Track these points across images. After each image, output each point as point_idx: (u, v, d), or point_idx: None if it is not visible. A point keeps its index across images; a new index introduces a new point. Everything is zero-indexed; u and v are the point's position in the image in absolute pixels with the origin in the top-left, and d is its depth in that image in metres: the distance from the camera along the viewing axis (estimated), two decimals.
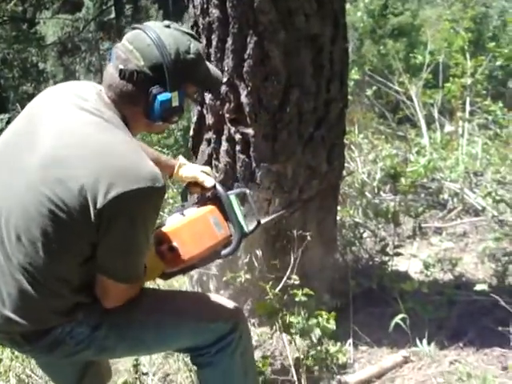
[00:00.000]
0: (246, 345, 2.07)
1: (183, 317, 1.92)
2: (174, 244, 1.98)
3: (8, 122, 11.54)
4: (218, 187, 2.15)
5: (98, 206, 1.55)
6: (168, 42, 1.68)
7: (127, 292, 1.79)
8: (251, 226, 2.21)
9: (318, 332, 2.71)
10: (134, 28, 1.74)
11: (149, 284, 2.22)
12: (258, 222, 2.24)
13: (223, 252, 2.10)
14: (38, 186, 1.60)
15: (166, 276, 2.08)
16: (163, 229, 2.03)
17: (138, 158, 1.63)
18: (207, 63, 1.84)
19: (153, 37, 1.67)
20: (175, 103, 1.71)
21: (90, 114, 1.65)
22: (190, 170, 2.23)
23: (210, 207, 2.13)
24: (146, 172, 1.59)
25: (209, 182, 2.19)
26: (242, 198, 2.27)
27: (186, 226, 2.05)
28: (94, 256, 1.67)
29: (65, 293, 1.71)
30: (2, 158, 1.76)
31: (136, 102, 1.71)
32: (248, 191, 2.23)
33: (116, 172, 1.56)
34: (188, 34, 1.76)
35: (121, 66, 1.66)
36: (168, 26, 1.73)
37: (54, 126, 1.67)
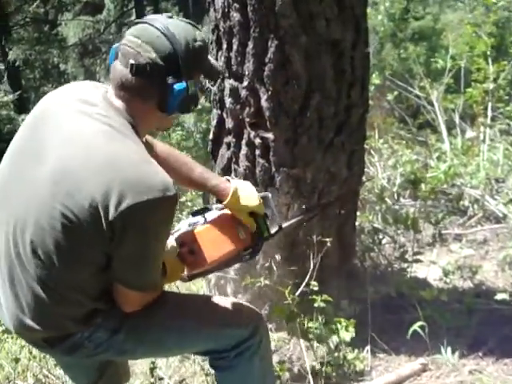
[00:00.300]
0: (266, 349, 2.05)
1: (204, 321, 1.91)
2: (195, 247, 1.97)
3: None
4: None
5: (110, 218, 1.54)
6: (176, 31, 1.65)
7: (145, 298, 1.78)
8: (273, 230, 2.19)
9: (335, 338, 2.69)
10: (137, 23, 1.72)
11: (168, 287, 2.21)
12: (280, 227, 2.21)
13: (245, 256, 2.09)
14: (49, 201, 1.60)
15: (186, 279, 2.07)
16: (185, 231, 2.02)
17: (148, 167, 1.60)
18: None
19: (161, 28, 1.64)
20: (191, 91, 1.69)
21: (98, 122, 1.63)
22: (250, 197, 2.05)
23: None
24: (156, 182, 1.57)
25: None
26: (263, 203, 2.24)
27: (208, 229, 2.03)
28: (109, 265, 1.67)
29: (82, 301, 1.71)
30: (11, 168, 1.76)
31: (148, 98, 1.68)
32: (270, 195, 2.19)
33: (126, 183, 1.54)
34: (190, 23, 1.74)
35: (131, 61, 1.62)
36: (171, 17, 1.72)
37: (61, 136, 1.65)
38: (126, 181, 1.55)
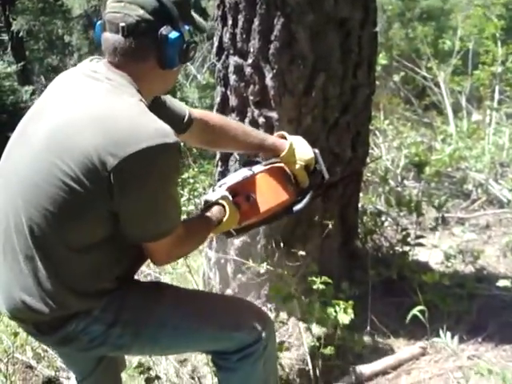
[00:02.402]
0: (270, 354, 2.00)
1: (204, 322, 1.86)
2: (253, 193, 2.00)
3: (33, 94, 11.60)
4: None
5: (108, 169, 1.50)
6: None
7: (173, 243, 1.72)
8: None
9: (334, 320, 2.68)
10: None
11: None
12: (326, 181, 2.21)
13: (295, 208, 2.10)
14: (44, 156, 1.57)
15: (233, 233, 2.07)
16: (238, 181, 2.05)
17: (145, 117, 1.57)
18: None
19: None
20: (187, 38, 1.68)
21: (99, 83, 1.62)
22: (305, 151, 2.13)
23: (280, 164, 2.12)
24: (154, 129, 1.54)
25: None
26: None
27: (264, 177, 2.07)
28: (113, 232, 1.63)
29: (84, 271, 1.67)
30: (16, 140, 1.74)
31: (146, 56, 1.66)
32: (317, 150, 2.18)
33: (123, 132, 1.52)
34: None
35: (122, 24, 1.60)
36: None
37: (61, 97, 1.66)
38: (123, 130, 1.53)
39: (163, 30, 1.62)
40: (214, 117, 2.18)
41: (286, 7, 2.59)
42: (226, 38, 2.81)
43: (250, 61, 2.72)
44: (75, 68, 1.77)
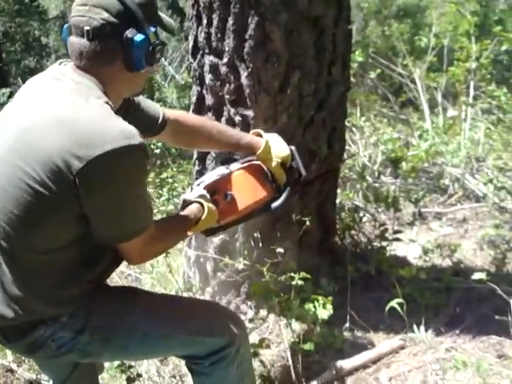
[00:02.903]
0: (244, 356, 1.99)
1: (175, 328, 1.84)
2: (231, 191, 2.01)
3: (10, 96, 11.48)
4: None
5: (74, 172, 1.49)
6: None
7: (145, 242, 1.71)
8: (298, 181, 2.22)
9: (314, 316, 2.70)
10: None
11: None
12: (304, 177, 2.21)
13: (273, 205, 2.11)
14: (9, 158, 1.57)
15: (209, 232, 2.07)
16: (216, 179, 2.05)
17: (110, 119, 1.56)
18: None
19: None
20: (153, 40, 1.67)
21: (65, 85, 1.61)
22: (281, 148, 2.14)
23: (258, 162, 2.13)
24: (118, 131, 1.53)
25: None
26: None
27: (241, 175, 2.08)
28: (82, 234, 1.62)
29: (51, 274, 1.66)
30: None
31: (113, 59, 1.65)
32: (293, 148, 2.19)
33: (88, 135, 1.50)
34: None
35: (86, 28, 1.59)
36: None
37: (28, 100, 1.66)
38: (87, 133, 1.51)
39: (128, 33, 1.61)
40: (189, 117, 2.18)
41: (260, 6, 2.60)
42: (201, 37, 2.81)
43: (225, 60, 2.74)
44: (44, 72, 1.76)
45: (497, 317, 2.74)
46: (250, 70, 2.69)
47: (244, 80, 2.71)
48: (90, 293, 1.74)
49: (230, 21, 2.67)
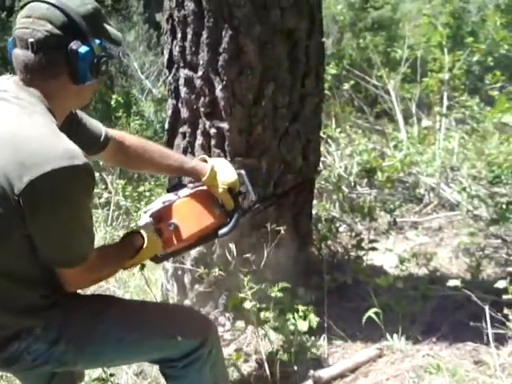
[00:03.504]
0: (217, 357, 2.02)
1: (148, 333, 1.86)
2: (174, 220, 1.98)
3: None
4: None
5: (16, 192, 1.49)
6: (64, 0, 1.63)
7: (83, 274, 1.72)
8: (247, 206, 2.25)
9: (292, 327, 2.71)
10: (22, 7, 1.67)
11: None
12: (254, 202, 2.26)
13: (221, 231, 2.09)
14: None
15: (158, 259, 2.06)
16: (161, 207, 2.04)
17: (52, 139, 1.55)
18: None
19: (48, 0, 1.61)
20: (98, 52, 1.66)
21: (8, 103, 1.60)
22: (227, 174, 2.11)
23: (205, 187, 2.12)
24: (60, 151, 1.52)
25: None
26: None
27: (186, 203, 2.06)
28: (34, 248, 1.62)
29: (14, 288, 1.67)
30: None
31: (57, 72, 1.64)
32: (244, 172, 2.20)
33: (29, 155, 1.50)
34: None
35: (30, 40, 1.58)
36: None
37: None
38: (30, 152, 1.50)
39: (73, 45, 1.61)
40: (130, 138, 2.15)
41: (234, 20, 2.63)
42: (176, 51, 2.83)
43: (199, 73, 2.75)
44: None
45: (472, 323, 2.77)
46: (224, 82, 2.70)
47: (219, 93, 2.73)
48: (63, 303, 1.76)
49: (204, 34, 2.69)
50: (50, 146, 1.52)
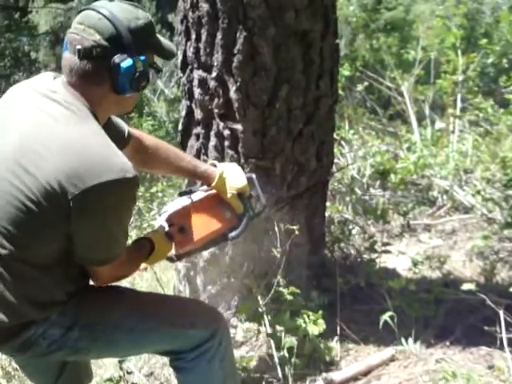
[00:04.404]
0: (226, 351, 2.05)
1: (159, 322, 1.91)
2: (185, 225, 2.05)
3: None
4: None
5: (69, 197, 1.54)
6: (117, 12, 1.66)
7: (113, 271, 1.80)
8: (257, 210, 2.26)
9: (304, 330, 2.70)
10: (80, 11, 1.72)
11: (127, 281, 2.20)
12: (264, 206, 2.28)
13: (231, 234, 2.14)
14: (6, 176, 1.61)
15: (174, 259, 2.12)
16: (174, 211, 2.10)
17: (107, 150, 1.62)
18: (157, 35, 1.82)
19: (102, 11, 1.66)
20: (139, 68, 1.69)
21: (60, 106, 1.64)
22: (237, 179, 2.15)
23: (217, 192, 2.16)
24: (114, 164, 1.59)
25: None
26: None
27: (196, 207, 2.11)
28: (70, 248, 1.67)
29: (41, 281, 1.71)
30: None
31: (100, 81, 1.68)
32: (254, 176, 2.23)
33: (86, 165, 1.56)
34: (132, 4, 1.75)
35: (78, 47, 1.63)
36: (112, 0, 1.73)
37: (23, 118, 1.67)
38: (86, 162, 1.56)
39: (116, 58, 1.65)
40: (147, 138, 2.19)
41: (248, 21, 2.62)
42: (190, 52, 2.83)
43: (213, 74, 2.75)
44: (29, 83, 1.79)
45: (486, 328, 2.76)
46: (238, 84, 2.70)
47: (233, 94, 2.73)
48: (78, 291, 1.81)
49: (219, 36, 2.69)
50: (104, 158, 1.59)
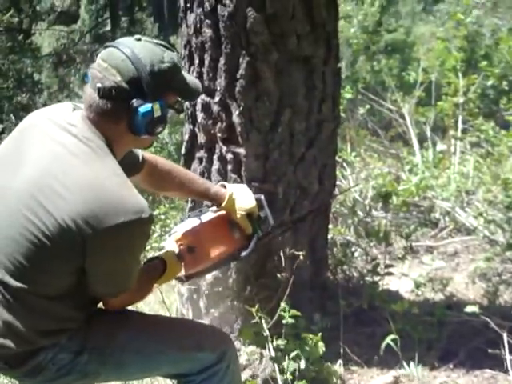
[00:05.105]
0: (234, 374, 2.04)
1: (167, 345, 1.91)
2: (194, 245, 2.06)
3: (2, 132, 11.48)
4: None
5: (84, 236, 1.56)
6: (141, 54, 1.66)
7: (124, 300, 1.83)
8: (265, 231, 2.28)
9: (307, 353, 2.70)
10: (106, 46, 1.73)
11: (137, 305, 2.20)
12: (273, 227, 2.32)
13: (242, 254, 2.16)
14: (23, 212, 1.61)
15: (183, 279, 2.13)
16: (183, 232, 2.11)
17: (124, 190, 1.63)
18: (184, 73, 1.82)
19: (126, 51, 1.66)
20: (157, 114, 1.69)
21: (79, 142, 1.65)
22: (246, 200, 2.18)
23: (226, 213, 2.18)
24: (132, 205, 1.60)
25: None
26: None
27: (206, 228, 2.14)
28: (81, 281, 1.68)
29: (51, 313, 1.72)
30: None
31: (118, 120, 1.69)
32: (263, 197, 2.26)
33: (101, 206, 1.57)
34: (160, 44, 1.75)
35: (98, 85, 1.64)
36: (139, 40, 1.72)
37: (41, 150, 1.67)
38: (103, 203, 1.57)
39: (135, 102, 1.65)
40: (162, 161, 2.21)
41: (251, 46, 2.66)
42: (193, 76, 2.85)
43: (217, 99, 2.78)
44: (47, 113, 1.79)
45: (490, 350, 2.75)
46: (241, 108, 2.73)
47: (235, 118, 2.75)
48: (86, 316, 1.82)
49: (222, 60, 2.72)
50: (121, 199, 1.60)
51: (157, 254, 2.10)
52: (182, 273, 2.09)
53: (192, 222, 2.18)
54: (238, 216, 2.15)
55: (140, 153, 2.07)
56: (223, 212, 2.17)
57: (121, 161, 1.77)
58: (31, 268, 1.63)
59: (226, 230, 2.15)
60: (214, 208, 2.22)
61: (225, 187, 2.21)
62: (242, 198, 2.17)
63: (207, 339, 2.00)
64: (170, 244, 2.10)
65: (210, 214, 2.20)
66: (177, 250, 2.06)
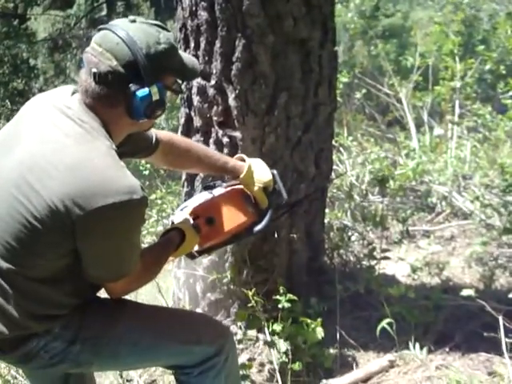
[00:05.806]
0: (232, 366, 2.03)
1: (164, 337, 1.89)
2: (213, 217, 2.06)
3: None
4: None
5: (73, 218, 1.53)
6: (137, 36, 1.63)
7: (130, 280, 1.78)
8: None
9: (303, 337, 2.70)
10: (100, 29, 1.69)
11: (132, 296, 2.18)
12: (286, 202, 2.33)
13: (256, 228, 2.16)
14: (12, 191, 1.60)
15: (195, 254, 2.13)
16: (199, 204, 2.11)
17: (114, 171, 1.59)
18: (182, 53, 1.80)
19: (121, 34, 1.62)
20: (155, 97, 1.66)
21: (73, 123, 1.63)
22: (263, 173, 2.20)
23: (240, 186, 2.19)
24: (122, 185, 1.57)
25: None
26: None
27: (223, 200, 2.14)
28: (75, 265, 1.66)
29: (45, 297, 1.70)
30: None
31: (115, 104, 1.66)
32: (276, 172, 2.26)
33: (92, 186, 1.54)
34: (156, 25, 1.71)
35: (94, 70, 1.61)
36: (134, 21, 1.68)
37: (36, 132, 1.66)
38: (92, 183, 1.55)
39: (132, 86, 1.63)
40: (178, 139, 2.21)
41: (247, 29, 2.63)
42: None
43: (212, 82, 2.76)
44: (47, 96, 1.78)
45: (486, 334, 2.76)
46: (237, 91, 2.71)
47: (232, 102, 2.74)
48: (83, 304, 1.79)
49: (217, 44, 2.70)
50: (110, 180, 1.56)
51: (176, 220, 2.08)
52: (195, 248, 2.07)
53: (204, 196, 2.17)
54: (256, 188, 2.16)
55: (153, 133, 2.05)
56: (237, 186, 2.18)
57: (133, 143, 1.76)
58: (21, 250, 1.61)
59: (240, 204, 2.14)
60: (225, 184, 2.23)
61: (243, 160, 2.22)
62: (260, 170, 2.19)
63: (206, 332, 1.98)
64: (182, 218, 2.07)
65: (221, 189, 2.20)
66: (192, 222, 2.04)
